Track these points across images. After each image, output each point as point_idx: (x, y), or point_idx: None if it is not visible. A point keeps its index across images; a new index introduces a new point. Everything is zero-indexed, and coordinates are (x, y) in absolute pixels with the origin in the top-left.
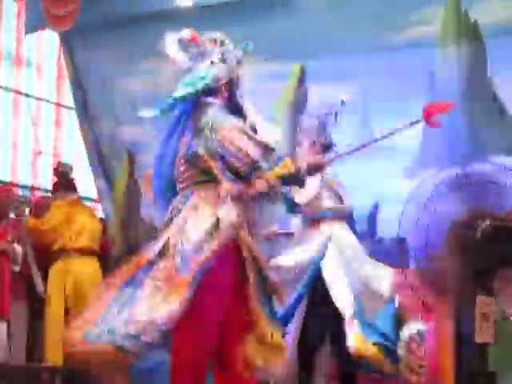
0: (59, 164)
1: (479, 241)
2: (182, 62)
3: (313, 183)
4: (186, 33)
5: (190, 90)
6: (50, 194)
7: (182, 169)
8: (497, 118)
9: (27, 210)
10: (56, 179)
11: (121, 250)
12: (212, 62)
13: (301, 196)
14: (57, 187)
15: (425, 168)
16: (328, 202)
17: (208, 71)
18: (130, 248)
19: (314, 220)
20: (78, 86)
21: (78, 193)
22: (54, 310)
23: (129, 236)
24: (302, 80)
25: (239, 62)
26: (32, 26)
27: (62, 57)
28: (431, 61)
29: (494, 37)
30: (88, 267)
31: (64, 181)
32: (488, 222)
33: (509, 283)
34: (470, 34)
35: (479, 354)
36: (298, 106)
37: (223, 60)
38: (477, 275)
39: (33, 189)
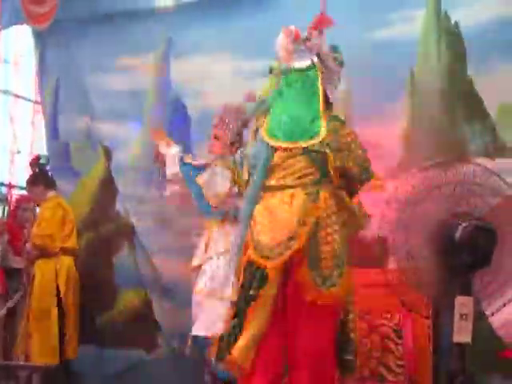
0: (38, 156)
1: (459, 241)
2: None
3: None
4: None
5: None
6: (25, 191)
7: None
8: (478, 118)
9: (5, 208)
10: (33, 172)
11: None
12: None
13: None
14: (34, 181)
15: (407, 168)
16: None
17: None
18: (101, 244)
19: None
20: (50, 82)
21: (56, 188)
22: (41, 307)
23: (100, 232)
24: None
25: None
26: (10, 23)
27: (35, 54)
28: (412, 61)
29: (474, 37)
30: (72, 267)
31: (42, 175)
32: (468, 223)
33: (488, 284)
34: (450, 34)
35: (457, 355)
36: None
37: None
38: (456, 275)
39: (10, 187)
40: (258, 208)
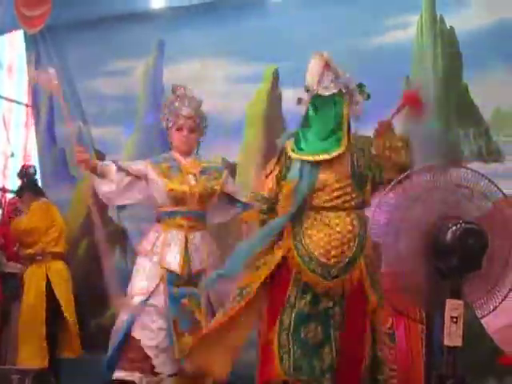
0: (24, 166)
1: (449, 244)
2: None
3: None
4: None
5: None
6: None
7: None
8: (471, 124)
9: None
10: (21, 182)
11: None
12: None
13: None
14: (23, 191)
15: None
16: None
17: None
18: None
19: None
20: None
21: (46, 196)
22: (29, 311)
23: (94, 237)
24: (275, 83)
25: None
26: (3, 28)
27: (28, 58)
28: (407, 66)
29: (469, 42)
30: (64, 271)
31: (30, 184)
32: (458, 226)
33: (478, 286)
34: (445, 40)
35: (449, 358)
36: (272, 108)
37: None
38: (446, 279)
39: (3, 190)
40: (308, 225)
